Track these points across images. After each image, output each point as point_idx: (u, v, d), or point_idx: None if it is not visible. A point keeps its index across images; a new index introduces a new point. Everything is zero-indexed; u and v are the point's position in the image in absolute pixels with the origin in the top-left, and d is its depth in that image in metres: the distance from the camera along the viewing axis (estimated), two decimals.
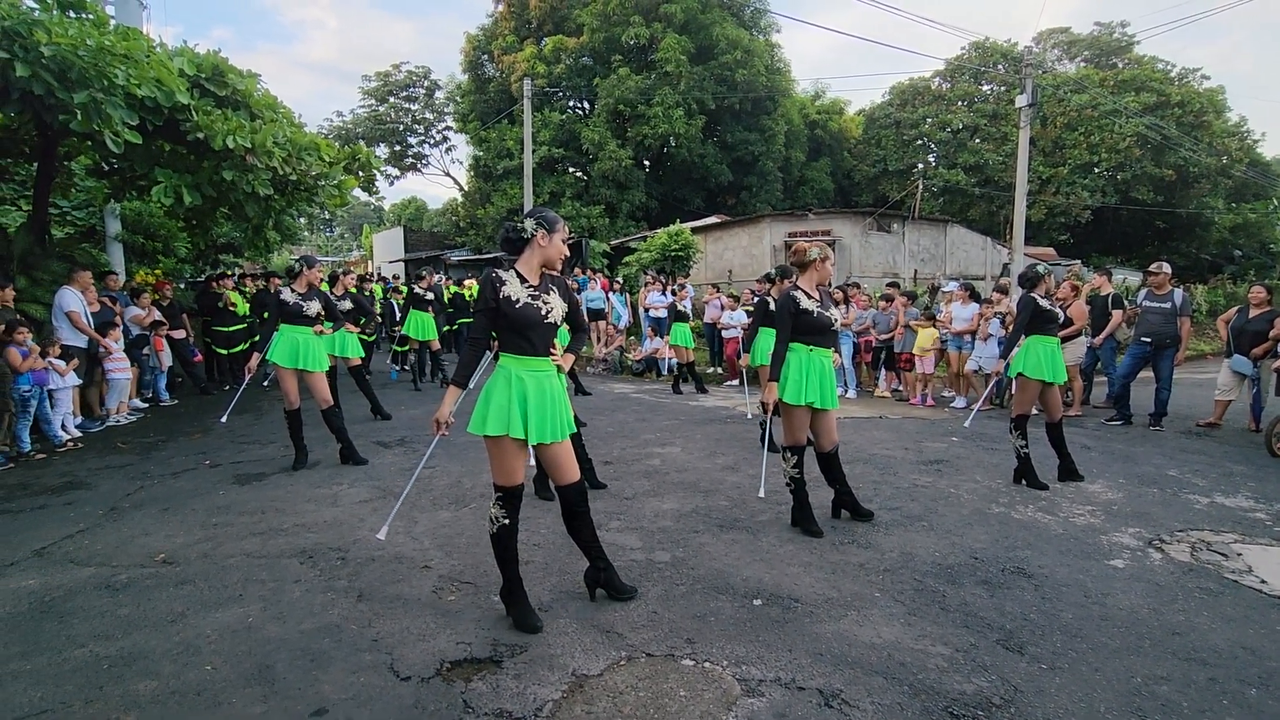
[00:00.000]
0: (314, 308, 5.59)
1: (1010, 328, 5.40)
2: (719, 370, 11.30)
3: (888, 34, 45.21)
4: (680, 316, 9.76)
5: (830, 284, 4.21)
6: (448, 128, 34.69)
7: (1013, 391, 5.39)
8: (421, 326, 9.81)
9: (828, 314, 4.01)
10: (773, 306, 5.78)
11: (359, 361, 7.77)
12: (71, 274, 7.21)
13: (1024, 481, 5.00)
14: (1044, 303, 4.99)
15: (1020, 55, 19.90)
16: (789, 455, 4.06)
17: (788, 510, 4.23)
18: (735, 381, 10.50)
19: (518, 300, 2.82)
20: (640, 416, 7.89)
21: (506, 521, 2.90)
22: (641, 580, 3.38)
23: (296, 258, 5.84)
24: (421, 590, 3.31)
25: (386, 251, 33.48)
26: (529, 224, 2.89)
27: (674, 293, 10.87)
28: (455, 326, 13.60)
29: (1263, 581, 3.41)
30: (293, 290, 5.59)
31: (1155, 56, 26.81)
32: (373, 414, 7.61)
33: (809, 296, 3.99)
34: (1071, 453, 5.20)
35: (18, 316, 6.37)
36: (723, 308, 10.83)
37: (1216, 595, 3.26)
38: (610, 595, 3.17)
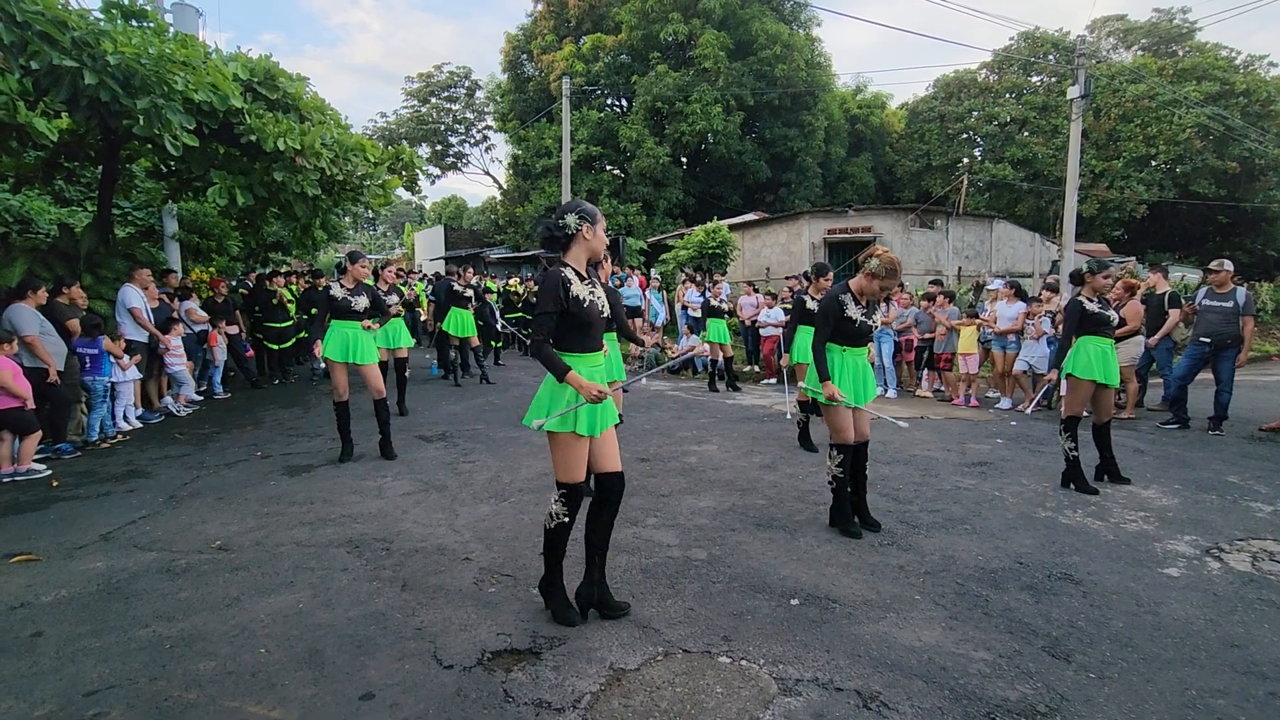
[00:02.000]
0: (362, 302, 5.75)
1: (1060, 326, 5.24)
2: (755, 369, 11.22)
3: (932, 25, 44.10)
4: (716, 313, 9.70)
5: (878, 303, 4.11)
6: (488, 127, 35.33)
7: (1062, 393, 5.22)
8: (461, 323, 9.99)
9: (870, 321, 3.99)
10: (809, 304, 5.73)
11: (406, 353, 8.13)
12: (133, 272, 7.56)
13: (1073, 485, 4.85)
14: (1091, 306, 4.81)
15: (1072, 45, 19.23)
16: (835, 454, 4.02)
17: (825, 510, 4.19)
18: (773, 380, 10.42)
19: (584, 299, 2.81)
20: (677, 414, 7.90)
21: (567, 519, 2.90)
22: (678, 577, 3.40)
23: (344, 254, 6.02)
24: (463, 582, 3.38)
25: (427, 249, 34.15)
26: (571, 219, 2.82)
27: (710, 289, 10.82)
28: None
29: None
30: (342, 286, 5.75)
31: (1218, 44, 25.64)
32: (395, 404, 7.76)
33: (856, 303, 3.94)
34: (1125, 457, 5.02)
35: (85, 313, 6.69)
36: (759, 306, 10.74)
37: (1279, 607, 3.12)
38: (603, 614, 2.99)
